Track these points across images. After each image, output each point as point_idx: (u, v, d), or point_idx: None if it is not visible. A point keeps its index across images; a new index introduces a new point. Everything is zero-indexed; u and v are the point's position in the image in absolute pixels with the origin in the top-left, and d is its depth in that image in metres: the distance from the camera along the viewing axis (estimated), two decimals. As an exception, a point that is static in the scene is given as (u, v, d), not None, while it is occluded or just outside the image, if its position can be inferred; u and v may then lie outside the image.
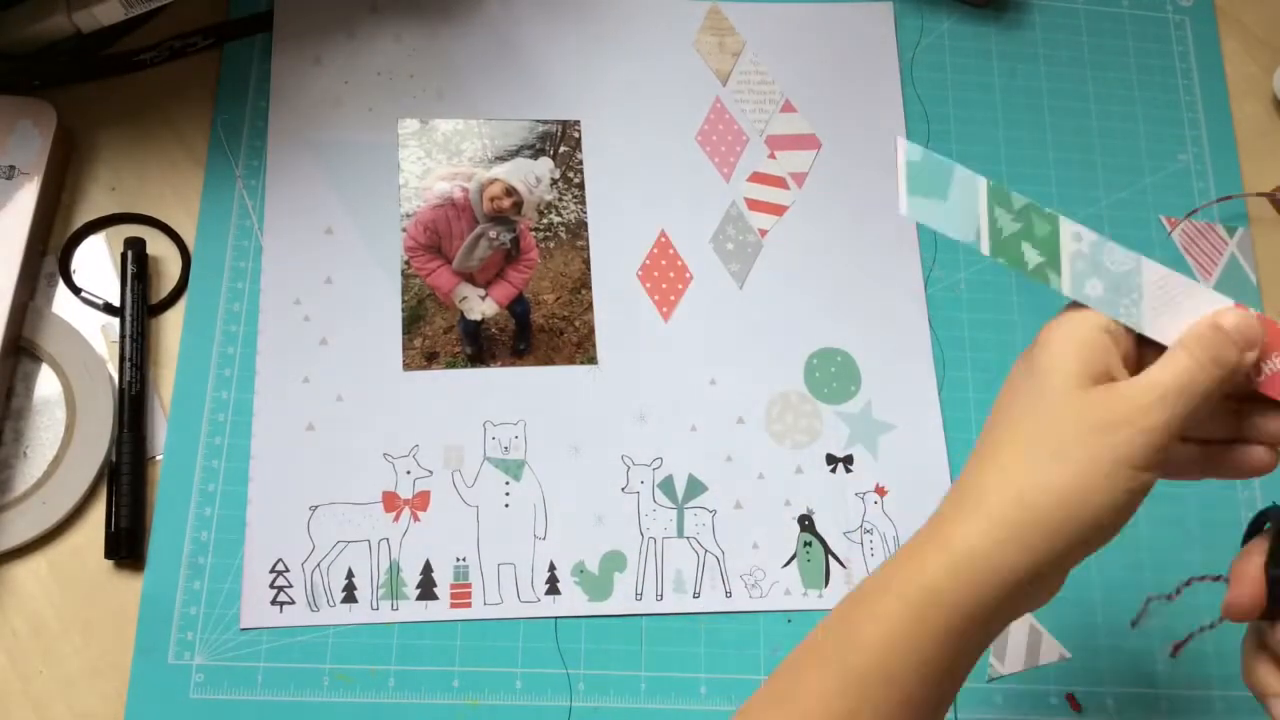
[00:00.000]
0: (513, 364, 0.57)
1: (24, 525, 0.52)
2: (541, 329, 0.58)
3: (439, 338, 0.57)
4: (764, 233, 0.61)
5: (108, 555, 0.52)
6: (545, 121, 0.61)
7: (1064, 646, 0.55)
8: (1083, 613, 0.56)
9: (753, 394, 0.58)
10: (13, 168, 0.55)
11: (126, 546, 0.52)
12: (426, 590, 0.53)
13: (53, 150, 0.56)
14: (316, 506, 0.54)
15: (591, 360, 0.58)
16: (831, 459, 0.57)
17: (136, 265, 0.56)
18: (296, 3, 0.61)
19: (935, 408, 0.59)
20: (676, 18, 0.64)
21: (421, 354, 0.57)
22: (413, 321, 0.57)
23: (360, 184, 0.59)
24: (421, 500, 0.55)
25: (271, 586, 0.52)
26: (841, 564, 0.56)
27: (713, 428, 0.57)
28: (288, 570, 0.53)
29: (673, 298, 0.59)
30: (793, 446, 0.57)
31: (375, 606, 0.53)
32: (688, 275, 0.60)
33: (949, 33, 0.66)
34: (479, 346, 0.57)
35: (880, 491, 0.57)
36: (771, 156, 0.62)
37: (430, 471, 0.55)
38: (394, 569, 0.53)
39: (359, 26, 0.62)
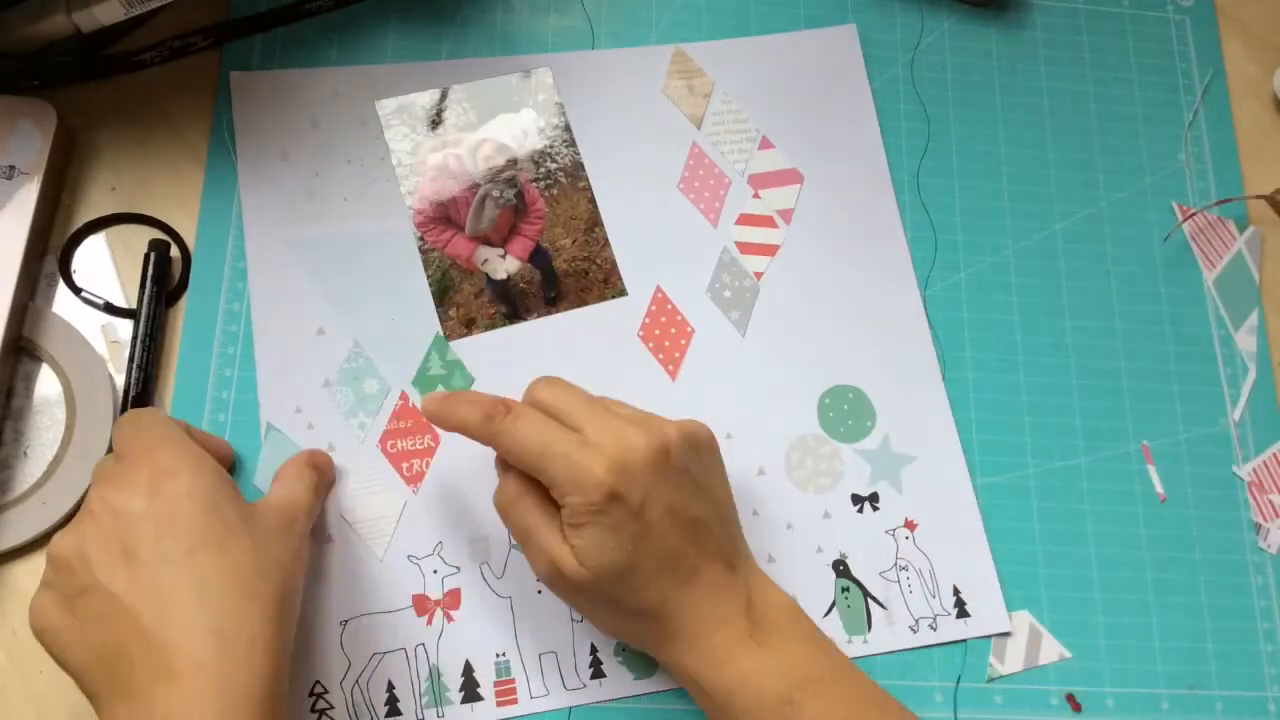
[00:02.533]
0: (549, 313, 0.58)
1: (24, 525, 0.52)
2: (567, 273, 0.58)
3: (471, 303, 0.58)
4: (759, 275, 0.60)
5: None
6: (516, 74, 0.61)
7: (1064, 646, 0.55)
8: (1083, 613, 0.56)
9: (770, 443, 0.57)
10: (13, 168, 0.55)
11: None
12: (470, 692, 0.51)
13: (53, 150, 0.56)
14: (347, 621, 0.52)
15: (621, 293, 0.58)
16: (857, 499, 0.56)
17: (157, 268, 0.56)
18: (255, 98, 0.60)
19: (952, 431, 0.58)
20: (643, 66, 0.63)
21: (460, 322, 0.57)
22: (443, 292, 0.57)
23: (349, 278, 0.57)
24: (453, 599, 0.53)
25: (312, 711, 0.50)
26: (881, 605, 0.55)
27: (735, 483, 0.55)
28: (327, 692, 0.51)
29: (677, 355, 0.58)
30: (816, 491, 0.56)
31: (420, 716, 0.51)
32: (689, 330, 0.58)
33: (949, 33, 0.66)
34: (512, 304, 0.58)
35: (910, 526, 0.56)
36: (756, 196, 0.61)
37: (458, 568, 0.53)
38: (434, 674, 0.51)
39: (322, 114, 0.60)
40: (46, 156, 0.55)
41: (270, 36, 0.61)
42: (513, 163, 0.60)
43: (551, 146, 0.60)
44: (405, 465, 0.55)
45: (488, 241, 0.58)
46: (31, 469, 0.53)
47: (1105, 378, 0.60)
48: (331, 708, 0.51)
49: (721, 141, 0.62)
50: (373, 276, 0.58)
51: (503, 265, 0.58)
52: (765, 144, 0.62)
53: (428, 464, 0.55)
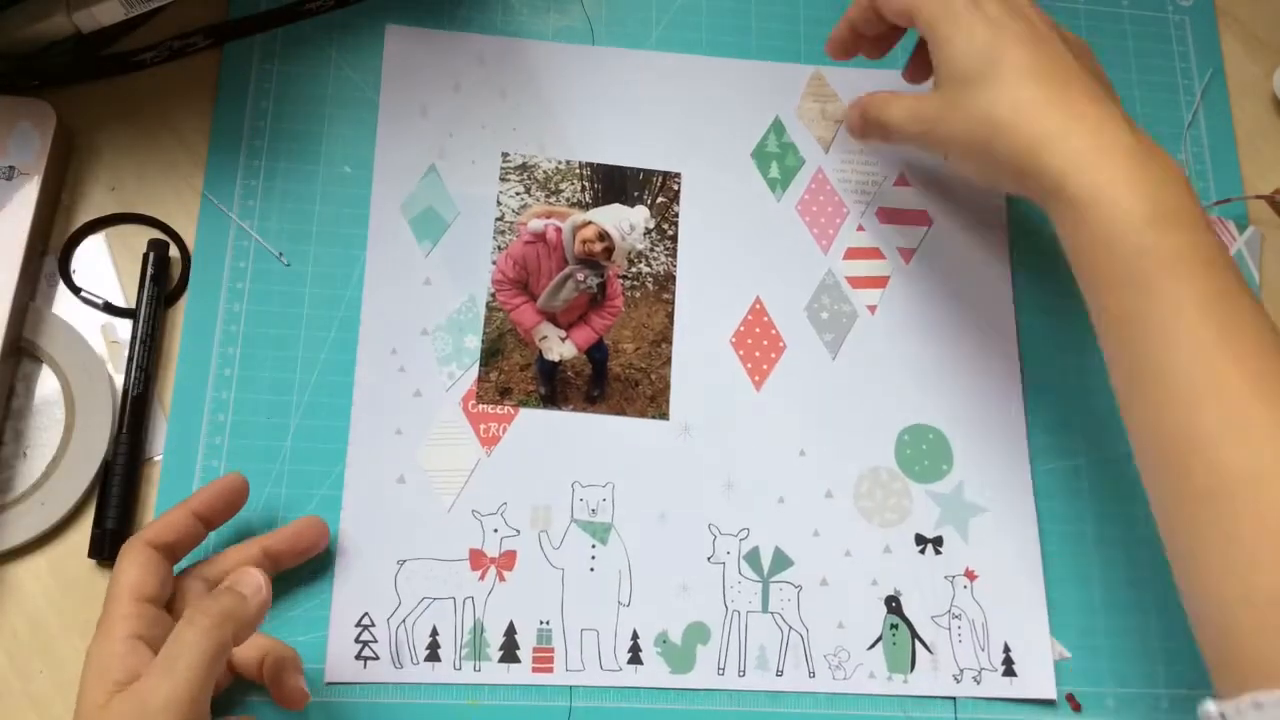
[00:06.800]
0: (584, 410, 0.56)
1: (24, 525, 0.52)
2: (617, 378, 0.57)
3: (515, 374, 0.57)
4: (872, 309, 0.60)
5: (91, 555, 0.52)
6: (646, 170, 0.61)
7: (1064, 646, 0.55)
8: (1083, 613, 0.56)
9: (842, 468, 0.57)
10: (12, 168, 0.55)
11: (110, 548, 0.51)
12: (509, 653, 0.52)
13: (53, 150, 0.56)
14: (404, 561, 0.53)
15: (663, 415, 0.57)
16: (921, 539, 0.56)
17: (156, 268, 0.56)
18: (406, 53, 0.61)
19: (1029, 494, 0.57)
20: (781, 83, 0.64)
21: (495, 387, 0.56)
22: (491, 355, 0.57)
23: (461, 237, 0.59)
24: (508, 560, 0.54)
25: (357, 641, 0.52)
26: (928, 649, 0.54)
27: (801, 501, 0.56)
28: (373, 625, 0.52)
29: (765, 366, 0.58)
30: (881, 525, 0.56)
31: (458, 666, 0.52)
32: (781, 344, 0.59)
33: (949, 33, 0.66)
34: (553, 388, 0.57)
35: (970, 575, 0.56)
36: (876, 229, 0.61)
37: (517, 531, 0.54)
38: (478, 628, 0.52)
39: (465, 79, 0.61)
40: (46, 157, 0.55)
41: (270, 36, 0.61)
42: (608, 252, 0.59)
43: (652, 251, 0.59)
44: (483, 427, 0.56)
45: (554, 320, 0.58)
46: (31, 469, 0.53)
47: (1105, 377, 0.60)
48: (375, 640, 0.52)
49: (847, 170, 0.62)
50: (489, 241, 0.59)
51: (559, 348, 0.57)
52: (901, 181, 0.62)
53: (505, 429, 0.56)
